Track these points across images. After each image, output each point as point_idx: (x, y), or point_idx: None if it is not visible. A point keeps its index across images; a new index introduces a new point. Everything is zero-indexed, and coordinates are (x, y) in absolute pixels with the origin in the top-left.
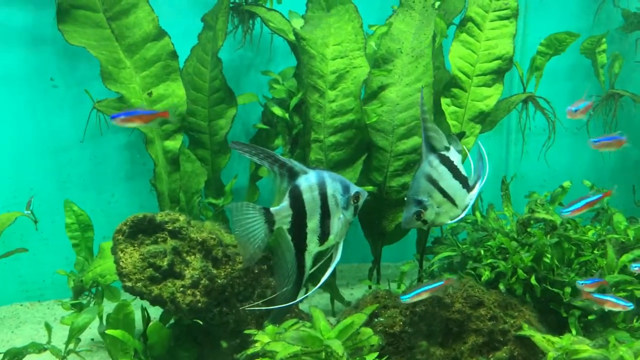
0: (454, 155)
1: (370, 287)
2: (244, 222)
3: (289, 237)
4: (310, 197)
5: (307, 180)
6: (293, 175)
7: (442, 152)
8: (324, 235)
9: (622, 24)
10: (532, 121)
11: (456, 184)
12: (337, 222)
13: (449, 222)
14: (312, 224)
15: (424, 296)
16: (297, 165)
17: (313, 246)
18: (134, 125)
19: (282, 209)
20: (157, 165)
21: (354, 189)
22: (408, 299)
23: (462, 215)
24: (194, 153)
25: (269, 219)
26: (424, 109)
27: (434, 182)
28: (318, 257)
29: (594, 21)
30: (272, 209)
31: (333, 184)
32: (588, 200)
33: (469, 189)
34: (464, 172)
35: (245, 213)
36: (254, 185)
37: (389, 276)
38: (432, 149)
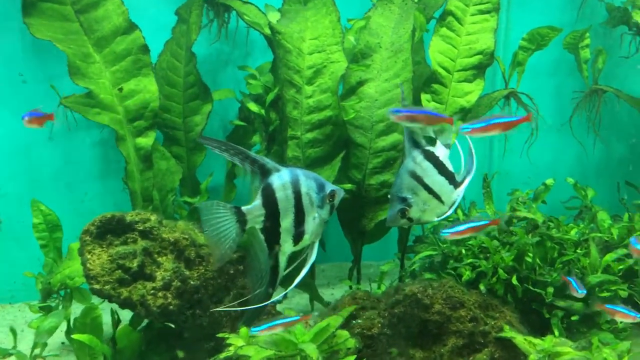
0: (440, 150)
1: (350, 287)
2: (214, 222)
3: (262, 237)
4: (283, 195)
5: (280, 178)
6: (265, 172)
7: (427, 148)
8: (298, 235)
9: (606, 18)
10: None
11: (442, 180)
12: (312, 221)
13: (436, 219)
14: (286, 223)
15: (278, 330)
16: (269, 162)
17: (287, 246)
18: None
19: (254, 208)
20: (128, 163)
21: (330, 187)
22: (258, 331)
23: (450, 212)
24: (169, 150)
25: (241, 219)
26: (405, 104)
27: (418, 179)
28: (293, 257)
29: (577, 15)
30: (243, 208)
31: (307, 182)
32: (473, 224)
33: (456, 185)
34: (450, 168)
35: (216, 212)
36: (231, 183)
37: (371, 275)
38: (416, 145)
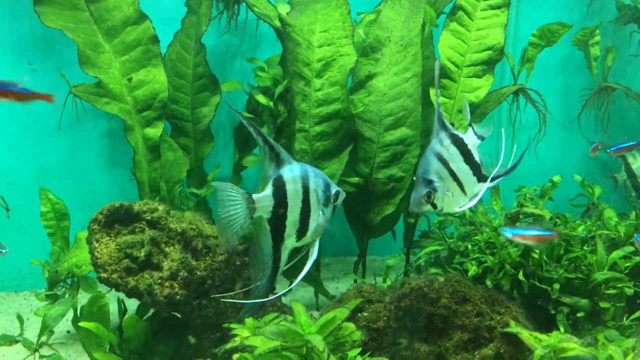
0: (470, 138)
1: (355, 281)
2: (226, 204)
3: (268, 228)
4: (293, 188)
5: (292, 172)
6: (279, 163)
7: (455, 132)
8: (302, 231)
9: (616, 16)
10: (522, 114)
11: (467, 169)
12: (316, 218)
13: (456, 210)
14: (293, 217)
15: None
16: (283, 153)
17: (290, 241)
18: None
19: (264, 197)
20: (137, 153)
21: (335, 187)
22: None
23: (470, 205)
24: (176, 141)
25: (251, 206)
26: (439, 81)
27: (444, 163)
28: (294, 253)
29: (587, 13)
30: (254, 196)
31: (316, 179)
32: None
33: (480, 177)
34: (477, 158)
35: (229, 194)
36: (238, 175)
37: (376, 270)
38: (444, 127)
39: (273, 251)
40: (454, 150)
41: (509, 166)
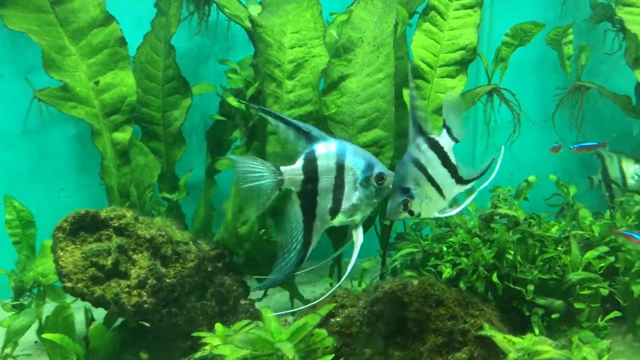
0: (445, 140)
1: (331, 285)
2: (250, 174)
3: (298, 202)
4: (325, 164)
5: (326, 147)
6: (310, 139)
7: (432, 136)
8: (335, 209)
9: (590, 15)
10: (498, 114)
11: (444, 173)
12: (351, 198)
13: (437, 215)
14: (324, 193)
15: None
16: (314, 130)
17: (324, 219)
18: None
19: (293, 170)
20: (105, 159)
21: (380, 169)
22: None
23: (452, 213)
24: (147, 145)
25: (278, 177)
26: (412, 85)
27: (422, 168)
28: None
29: (561, 12)
30: (282, 168)
31: (354, 158)
32: None
33: (457, 179)
34: (454, 161)
35: (252, 166)
36: (211, 178)
37: (352, 273)
38: (420, 132)
39: (304, 226)
40: (431, 154)
41: (481, 168)
